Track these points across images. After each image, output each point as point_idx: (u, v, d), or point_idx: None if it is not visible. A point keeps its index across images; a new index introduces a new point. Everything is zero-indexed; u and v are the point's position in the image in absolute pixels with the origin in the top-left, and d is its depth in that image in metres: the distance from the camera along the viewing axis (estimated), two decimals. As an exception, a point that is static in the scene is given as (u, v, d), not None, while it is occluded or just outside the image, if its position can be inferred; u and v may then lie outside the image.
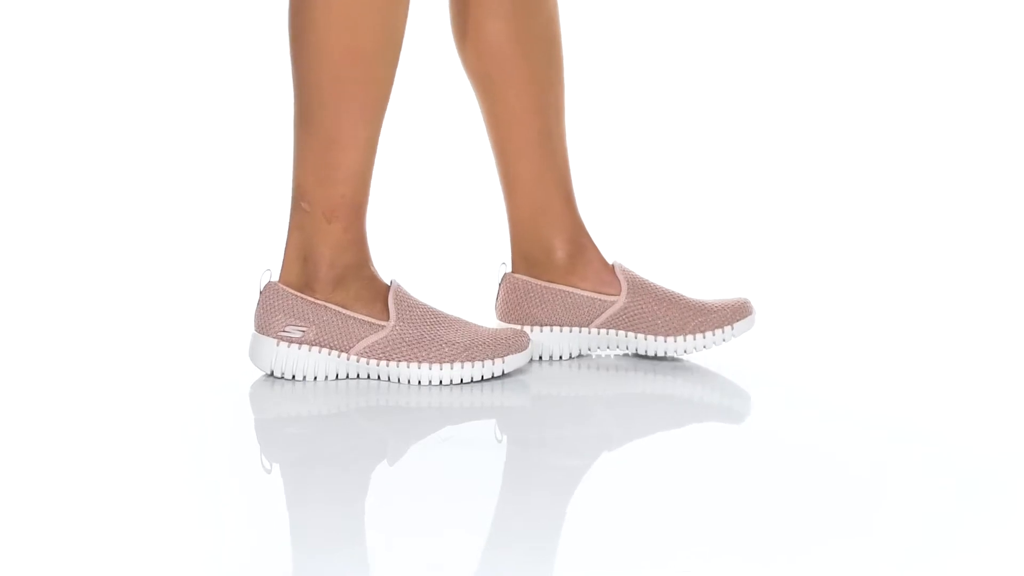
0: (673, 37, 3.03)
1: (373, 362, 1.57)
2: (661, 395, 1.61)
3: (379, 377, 1.57)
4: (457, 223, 2.54)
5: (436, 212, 2.60)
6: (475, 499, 1.24)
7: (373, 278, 1.59)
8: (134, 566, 1.09)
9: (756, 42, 3.04)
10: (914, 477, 1.31)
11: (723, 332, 1.67)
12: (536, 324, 1.69)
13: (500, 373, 1.59)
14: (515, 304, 1.69)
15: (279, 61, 2.90)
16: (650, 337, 1.68)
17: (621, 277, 1.68)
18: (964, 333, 1.89)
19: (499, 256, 1.78)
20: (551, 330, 1.69)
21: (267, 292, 1.56)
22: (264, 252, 1.81)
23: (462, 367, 1.57)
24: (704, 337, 1.67)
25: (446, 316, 1.59)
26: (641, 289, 1.68)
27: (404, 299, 1.58)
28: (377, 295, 1.58)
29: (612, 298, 1.68)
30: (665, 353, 1.67)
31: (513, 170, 1.68)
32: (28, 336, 1.83)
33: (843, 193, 2.75)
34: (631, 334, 1.68)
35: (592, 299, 1.68)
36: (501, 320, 1.70)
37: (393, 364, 1.56)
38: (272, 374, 1.57)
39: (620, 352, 1.70)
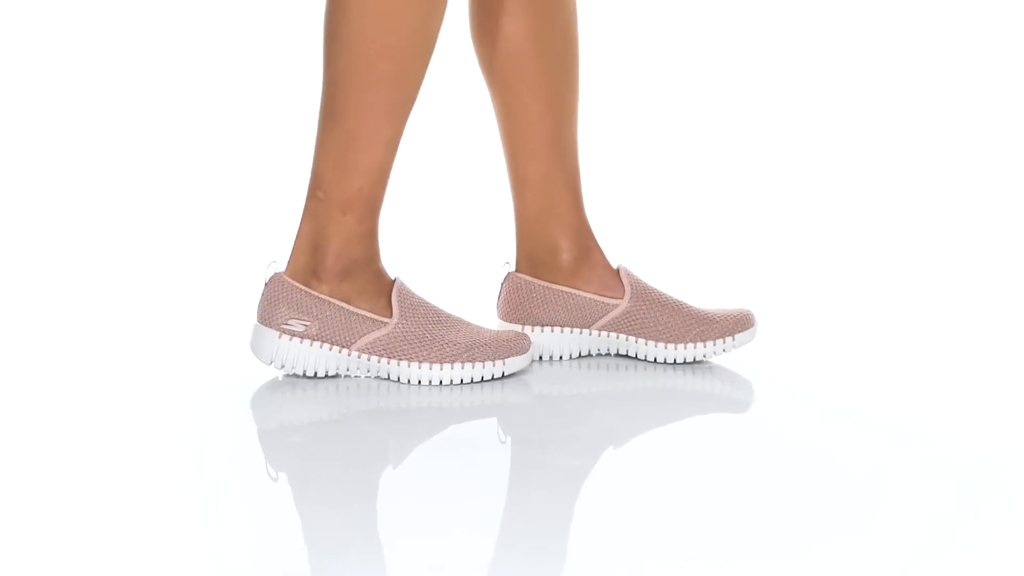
0: (685, 43, 3.03)
1: (375, 359, 1.57)
2: (662, 394, 1.61)
3: (379, 374, 1.57)
4: (462, 222, 2.54)
5: (441, 210, 2.60)
6: (480, 500, 1.24)
7: (380, 274, 1.59)
8: (135, 567, 1.09)
9: (767, 50, 3.04)
10: (914, 477, 1.31)
11: (723, 342, 1.67)
12: (537, 324, 1.69)
13: (500, 375, 1.59)
14: (517, 304, 1.69)
15: (282, 58, 2.89)
16: (650, 343, 1.68)
17: (625, 281, 1.69)
18: (964, 333, 1.89)
19: (504, 256, 1.78)
20: (552, 331, 1.69)
21: (272, 284, 1.57)
22: (265, 250, 1.81)
23: (463, 367, 1.57)
24: (704, 346, 1.67)
25: (448, 316, 1.60)
26: (644, 294, 1.68)
27: (407, 297, 1.59)
28: (382, 290, 1.59)
29: (615, 301, 1.68)
30: (664, 359, 1.68)
31: (523, 169, 1.68)
32: (28, 336, 1.83)
33: (844, 195, 2.75)
34: (631, 338, 1.68)
35: (594, 301, 1.68)
36: (502, 319, 1.71)
37: (394, 362, 1.57)
38: (271, 365, 1.57)
39: (620, 355, 1.71)
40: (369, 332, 1.56)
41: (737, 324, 1.68)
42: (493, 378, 1.59)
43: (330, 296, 1.56)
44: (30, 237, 2.43)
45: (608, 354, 1.71)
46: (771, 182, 2.82)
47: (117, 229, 2.50)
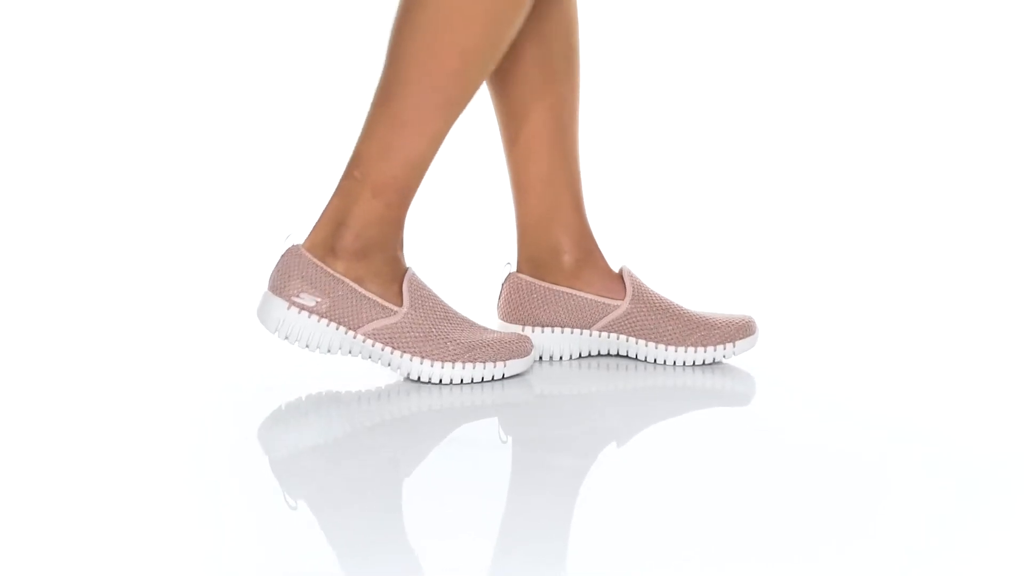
0: (686, 46, 3.04)
1: (379, 346, 1.57)
2: (662, 394, 1.61)
3: (381, 361, 1.57)
4: (464, 222, 2.54)
5: (442, 211, 2.60)
6: (480, 500, 1.24)
7: (397, 260, 1.59)
8: (135, 567, 1.10)
9: (767, 54, 3.04)
10: (914, 477, 1.31)
11: (724, 348, 1.67)
12: (538, 325, 1.69)
13: (500, 376, 1.59)
14: (517, 304, 1.69)
15: (281, 60, 2.88)
16: (650, 344, 1.68)
17: (628, 283, 1.69)
18: (964, 333, 1.90)
19: (505, 256, 1.79)
20: (552, 331, 1.69)
21: (289, 255, 1.56)
22: (266, 250, 1.82)
23: (463, 367, 1.57)
24: (704, 351, 1.67)
25: (455, 313, 1.60)
26: (645, 297, 1.69)
27: (419, 288, 1.59)
28: (396, 277, 1.58)
29: (615, 302, 1.68)
30: (664, 361, 1.68)
31: (525, 171, 1.68)
32: (29, 335, 1.83)
33: (845, 195, 2.75)
34: (632, 339, 1.69)
35: (595, 302, 1.69)
36: (503, 320, 1.71)
37: (397, 353, 1.57)
38: (275, 334, 1.56)
39: (620, 356, 1.71)
40: (378, 319, 1.56)
41: (738, 331, 1.68)
42: (493, 379, 1.59)
43: (344, 274, 1.56)
44: (30, 234, 2.43)
45: (608, 355, 1.71)
46: (772, 182, 2.83)
47: (117, 230, 2.50)
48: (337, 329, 1.56)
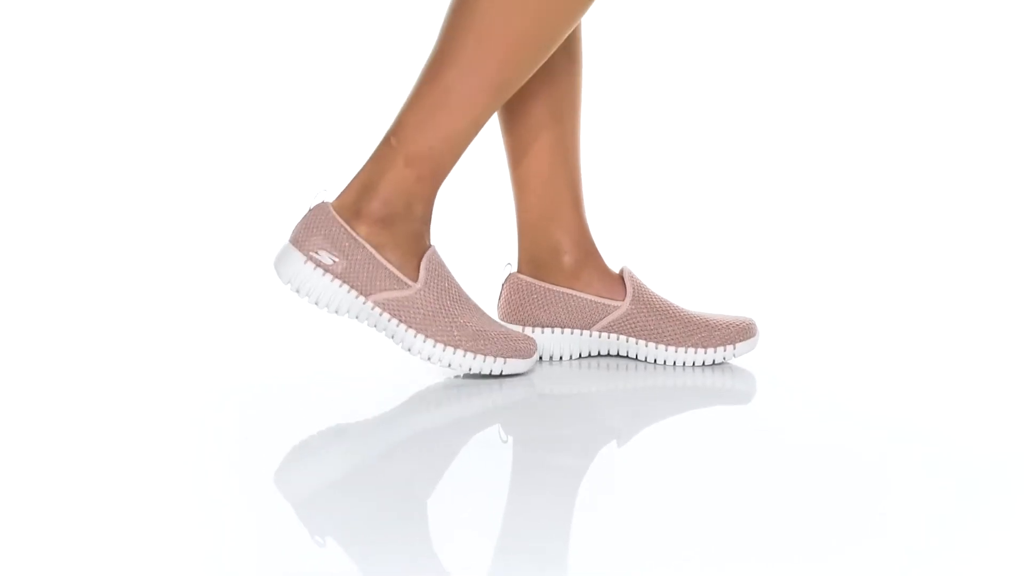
0: (687, 46, 3.04)
1: (386, 316, 1.56)
2: (662, 394, 1.61)
3: (385, 332, 1.57)
4: (464, 222, 2.54)
5: (443, 211, 2.60)
6: (481, 500, 1.24)
7: (420, 235, 1.59)
8: (135, 567, 1.10)
9: (769, 55, 3.04)
10: (914, 477, 1.31)
11: (724, 350, 1.67)
12: (537, 325, 1.69)
13: (499, 373, 1.59)
14: (517, 304, 1.70)
15: (281, 60, 2.88)
16: (651, 344, 1.68)
17: (628, 283, 1.69)
18: (964, 333, 1.90)
19: (506, 257, 1.79)
20: (552, 331, 1.69)
21: (316, 211, 1.56)
22: (267, 249, 1.82)
23: (463, 355, 1.57)
24: (705, 352, 1.67)
25: (468, 299, 1.60)
26: (645, 298, 1.69)
27: (437, 268, 1.58)
28: (417, 251, 1.58)
29: (616, 303, 1.68)
30: (664, 362, 1.68)
31: (525, 171, 1.69)
32: (29, 335, 1.83)
33: (845, 196, 2.76)
34: (632, 339, 1.69)
35: (595, 303, 1.69)
36: (503, 320, 1.71)
37: (403, 327, 1.56)
38: (288, 285, 1.56)
39: (620, 356, 1.71)
40: (390, 289, 1.56)
41: (739, 333, 1.68)
42: (491, 374, 1.59)
43: (366, 239, 1.56)
44: (30, 232, 2.43)
45: (608, 355, 1.71)
46: (772, 183, 2.83)
47: (118, 230, 2.51)
48: (349, 292, 1.56)
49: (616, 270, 1.72)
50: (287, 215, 1.64)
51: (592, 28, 1.76)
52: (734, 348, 1.68)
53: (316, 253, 1.55)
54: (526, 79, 1.56)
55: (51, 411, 1.51)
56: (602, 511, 1.23)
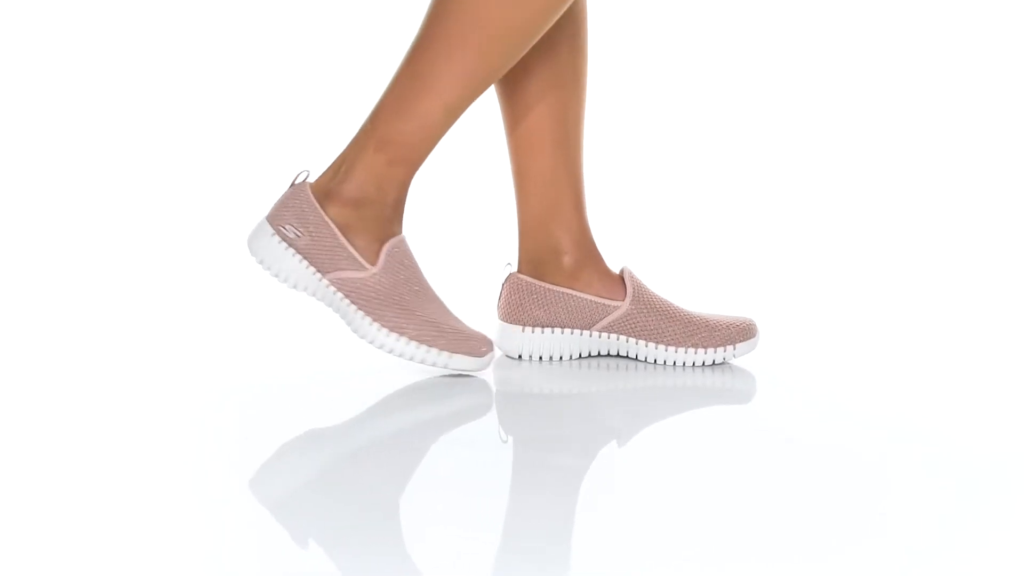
0: (689, 46, 3.04)
1: (339, 295, 1.57)
2: (662, 394, 1.61)
3: (337, 311, 1.57)
4: (465, 222, 2.54)
5: (443, 211, 2.60)
6: (481, 500, 1.24)
7: (389, 222, 1.59)
8: (135, 567, 1.10)
9: (770, 55, 3.04)
10: (914, 477, 1.31)
11: (724, 350, 1.67)
12: (537, 325, 1.69)
13: (443, 367, 1.57)
14: (517, 304, 1.69)
15: (280, 59, 2.88)
16: (651, 344, 1.68)
17: (628, 284, 1.69)
18: (964, 333, 1.90)
19: (506, 256, 1.79)
20: (552, 331, 1.69)
21: (294, 188, 1.59)
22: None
23: (407, 343, 1.56)
24: (705, 353, 1.67)
25: (430, 291, 1.60)
26: (645, 299, 1.68)
27: (399, 256, 1.58)
28: (382, 237, 1.58)
29: (615, 303, 1.68)
30: (665, 362, 1.68)
31: (527, 171, 1.68)
32: (28, 335, 1.83)
33: (844, 196, 2.75)
34: (632, 339, 1.69)
35: (595, 303, 1.69)
36: (502, 320, 1.71)
37: (353, 308, 1.57)
38: (254, 257, 1.58)
39: (620, 356, 1.71)
40: (348, 269, 1.57)
41: (739, 333, 1.68)
42: (435, 366, 1.57)
43: (334, 219, 1.57)
44: (29, 232, 2.43)
45: (608, 355, 1.71)
46: (772, 183, 2.83)
47: (118, 230, 2.50)
48: (307, 268, 1.57)
49: (616, 270, 1.71)
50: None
51: (592, 28, 1.76)
52: (734, 348, 1.68)
53: (283, 227, 1.57)
54: (503, 71, 1.56)
55: (51, 411, 1.51)
56: (602, 511, 1.23)
